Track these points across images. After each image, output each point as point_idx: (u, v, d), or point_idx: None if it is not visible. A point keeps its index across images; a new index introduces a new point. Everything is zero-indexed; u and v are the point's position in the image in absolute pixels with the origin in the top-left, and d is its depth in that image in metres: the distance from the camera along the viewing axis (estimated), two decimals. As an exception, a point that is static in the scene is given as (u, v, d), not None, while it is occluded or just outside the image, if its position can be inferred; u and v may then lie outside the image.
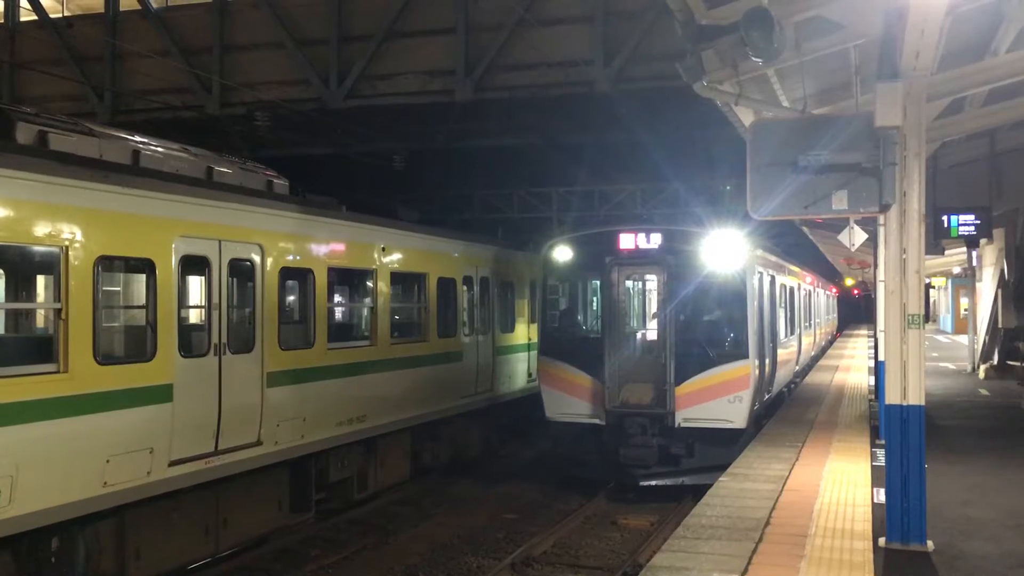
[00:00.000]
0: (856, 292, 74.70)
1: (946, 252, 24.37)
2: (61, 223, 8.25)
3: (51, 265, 8.51)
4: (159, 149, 10.48)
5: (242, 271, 10.72)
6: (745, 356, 14.12)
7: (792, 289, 21.40)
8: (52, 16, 17.67)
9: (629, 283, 15.93)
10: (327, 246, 12.30)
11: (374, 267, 13.43)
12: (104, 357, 8.74)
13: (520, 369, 18.86)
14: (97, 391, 8.48)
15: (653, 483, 14.28)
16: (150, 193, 9.24)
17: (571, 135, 18.78)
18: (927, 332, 8.86)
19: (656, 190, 25.94)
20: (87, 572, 8.89)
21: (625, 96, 15.37)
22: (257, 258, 10.80)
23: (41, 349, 8.56)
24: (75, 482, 8.29)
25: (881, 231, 14.73)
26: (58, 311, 8.27)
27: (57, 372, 8.18)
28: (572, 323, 16.36)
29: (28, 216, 7.97)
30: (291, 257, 11.49)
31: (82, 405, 8.32)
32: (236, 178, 11.33)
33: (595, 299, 16.37)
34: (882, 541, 8.59)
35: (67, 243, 8.28)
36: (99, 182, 8.66)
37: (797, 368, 23.12)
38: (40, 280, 10.10)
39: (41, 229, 8.10)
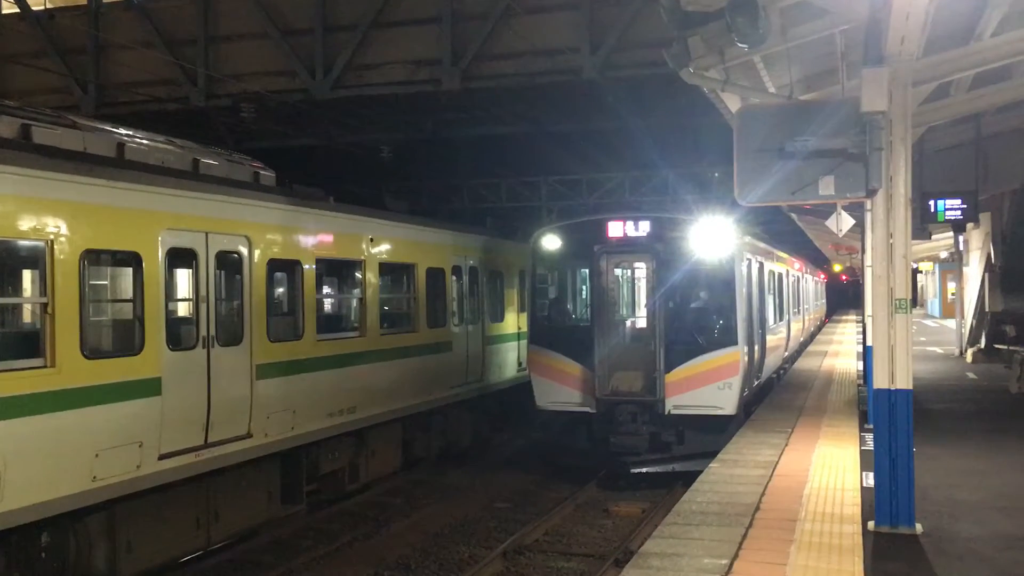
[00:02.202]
0: (844, 278, 74.92)
1: (933, 237, 24.48)
2: (46, 217, 8.19)
3: (36, 259, 8.46)
4: (144, 141, 10.41)
5: (230, 263, 10.68)
6: (734, 343, 14.17)
7: (780, 275, 21.47)
8: (34, 8, 17.51)
9: (618, 271, 15.95)
10: (315, 237, 12.26)
11: (362, 258, 13.40)
12: (91, 351, 8.70)
13: (510, 359, 18.87)
14: (85, 385, 8.45)
15: (644, 470, 14.33)
16: (136, 186, 9.19)
17: (559, 123, 18.71)
18: (915, 317, 8.91)
19: (644, 178, 25.90)
20: (78, 566, 8.88)
21: (612, 84, 15.31)
22: (244, 250, 10.76)
23: (28, 344, 8.51)
24: (64, 477, 8.26)
25: (868, 216, 14.79)
26: (44, 305, 8.23)
27: (44, 367, 8.14)
28: (561, 312, 16.38)
29: (12, 210, 7.91)
30: (279, 249, 11.44)
31: (70, 399, 8.29)
32: (222, 170, 11.27)
33: (584, 288, 16.38)
34: (871, 525, 8.66)
35: (52, 237, 8.23)
36: (84, 175, 8.61)
37: (786, 354, 23.20)
38: (26, 274, 10.04)
39: (26, 223, 8.04)
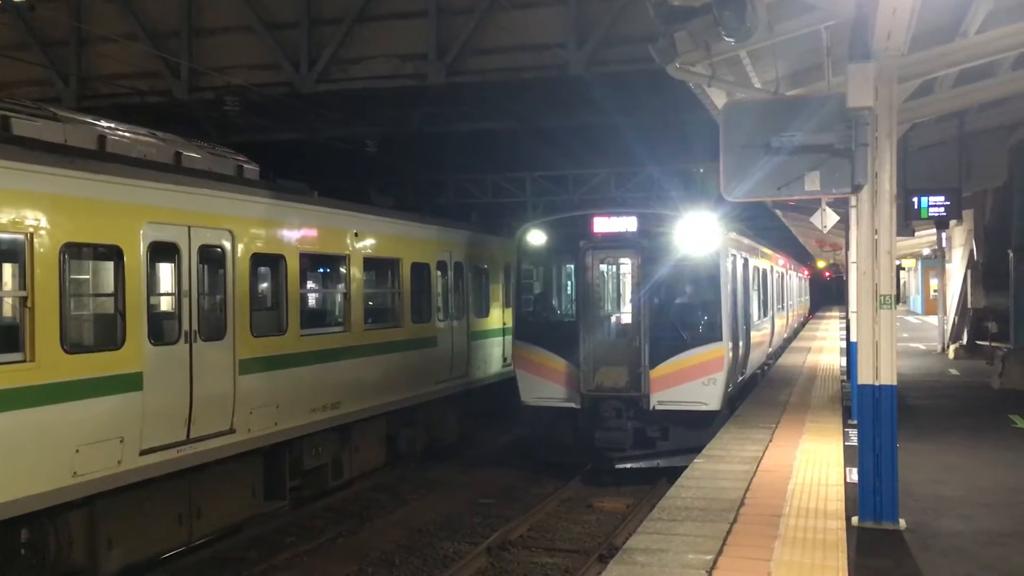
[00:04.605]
0: (827, 274, 75.33)
1: (916, 233, 24.60)
2: (25, 209, 8.09)
3: (15, 253, 8.36)
4: (126, 134, 10.31)
5: (212, 257, 10.59)
6: (719, 338, 14.18)
7: (765, 271, 21.52)
8: (15, -1, 17.33)
9: (603, 267, 15.94)
10: (299, 232, 12.18)
11: (347, 253, 13.32)
12: (72, 346, 8.61)
13: (495, 354, 18.83)
14: (65, 380, 8.36)
15: (628, 466, 14.33)
16: (117, 179, 9.09)
17: (545, 119, 18.70)
18: (897, 313, 8.92)
19: (630, 173, 25.95)
20: (58, 563, 8.79)
21: (598, 79, 15.31)
22: (228, 244, 10.67)
23: (7, 338, 8.40)
24: (44, 472, 8.17)
25: (853, 212, 14.82)
26: (23, 299, 8.13)
27: (23, 361, 8.04)
28: (547, 307, 16.35)
29: (-9, 203, 7.81)
30: (262, 243, 11.36)
31: (50, 394, 8.19)
32: (205, 163, 11.18)
33: (569, 283, 16.37)
34: (855, 520, 8.68)
35: (32, 230, 8.13)
36: (64, 167, 8.51)
37: (770, 350, 23.28)
38: (5, 268, 9.92)
39: (4, 216, 7.93)
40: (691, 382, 13.96)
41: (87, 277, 10.25)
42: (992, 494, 10.08)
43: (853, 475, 9.86)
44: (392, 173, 24.58)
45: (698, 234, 14.34)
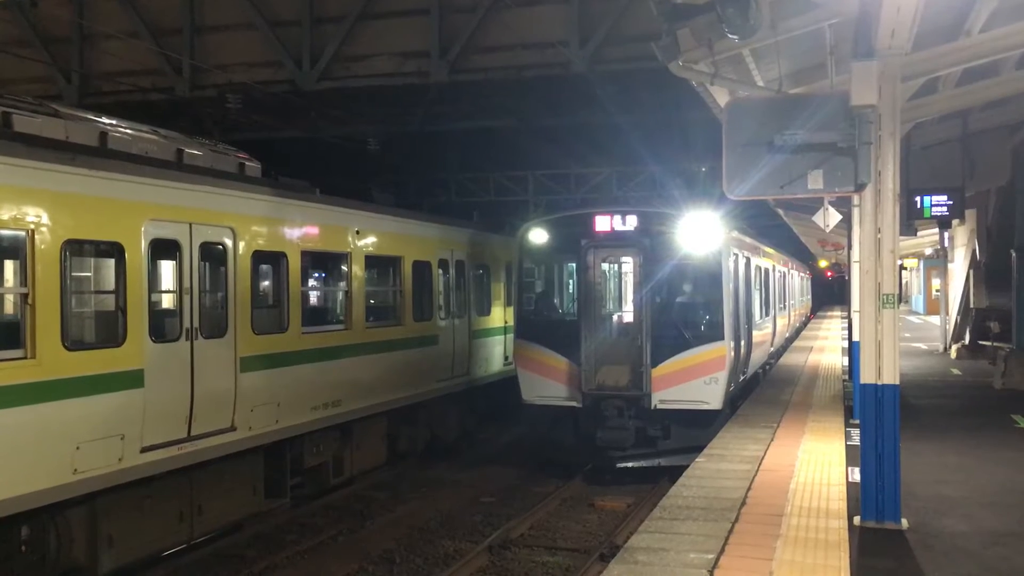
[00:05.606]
0: (829, 274, 75.29)
1: (918, 233, 24.57)
2: (26, 206, 8.08)
3: (16, 249, 8.35)
4: (127, 131, 10.29)
5: (214, 255, 10.58)
6: (721, 338, 14.15)
7: (767, 271, 21.49)
8: (17, -5, 17.31)
9: (605, 265, 15.91)
10: (300, 229, 12.17)
11: (348, 251, 13.31)
12: (73, 343, 8.60)
13: (497, 352, 18.82)
14: (66, 377, 8.35)
15: (630, 465, 14.31)
16: (118, 176, 9.08)
17: (547, 117, 18.70)
18: (900, 313, 8.90)
19: (632, 172, 25.95)
20: (59, 561, 8.78)
21: (601, 77, 15.30)
22: (229, 242, 10.65)
23: (8, 335, 8.40)
24: (44, 469, 8.16)
25: (856, 211, 14.81)
26: (24, 296, 8.12)
27: (24, 358, 8.04)
28: (548, 306, 16.34)
29: (-8, 199, 7.80)
30: (264, 240, 11.34)
31: (50, 391, 8.19)
32: (207, 161, 11.16)
33: (571, 282, 16.35)
34: (857, 520, 8.66)
35: (33, 226, 8.12)
36: (65, 164, 8.50)
37: (772, 349, 23.24)
38: (7, 264, 9.91)
39: (5, 212, 7.93)
40: (693, 381, 13.94)
41: (88, 274, 10.24)
42: (994, 494, 10.06)
43: (855, 475, 9.84)
44: (394, 171, 24.58)
45: (700, 233, 14.32)
